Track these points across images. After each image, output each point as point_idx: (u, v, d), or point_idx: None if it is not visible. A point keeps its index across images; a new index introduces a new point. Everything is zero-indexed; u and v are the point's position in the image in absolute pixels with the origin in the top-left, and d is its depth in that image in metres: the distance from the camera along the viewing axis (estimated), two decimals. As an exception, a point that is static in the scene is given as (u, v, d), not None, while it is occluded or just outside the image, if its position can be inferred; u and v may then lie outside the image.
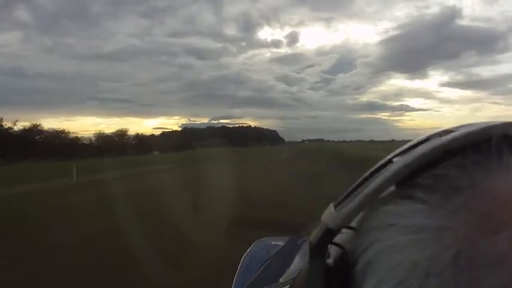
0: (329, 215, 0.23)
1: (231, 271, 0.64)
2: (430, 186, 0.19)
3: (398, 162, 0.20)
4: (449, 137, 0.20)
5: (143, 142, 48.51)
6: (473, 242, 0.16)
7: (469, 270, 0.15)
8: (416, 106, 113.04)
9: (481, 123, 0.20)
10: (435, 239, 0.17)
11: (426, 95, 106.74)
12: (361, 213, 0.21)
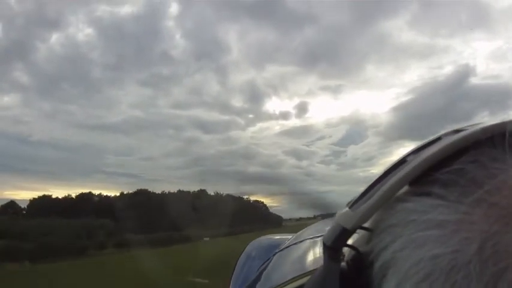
0: (344, 215, 0.22)
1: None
2: (448, 182, 0.19)
3: (413, 160, 0.20)
4: (462, 134, 0.20)
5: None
6: (497, 233, 0.16)
7: (494, 261, 0.15)
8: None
9: (493, 120, 0.21)
10: (457, 232, 0.17)
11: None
12: (376, 214, 0.21)
